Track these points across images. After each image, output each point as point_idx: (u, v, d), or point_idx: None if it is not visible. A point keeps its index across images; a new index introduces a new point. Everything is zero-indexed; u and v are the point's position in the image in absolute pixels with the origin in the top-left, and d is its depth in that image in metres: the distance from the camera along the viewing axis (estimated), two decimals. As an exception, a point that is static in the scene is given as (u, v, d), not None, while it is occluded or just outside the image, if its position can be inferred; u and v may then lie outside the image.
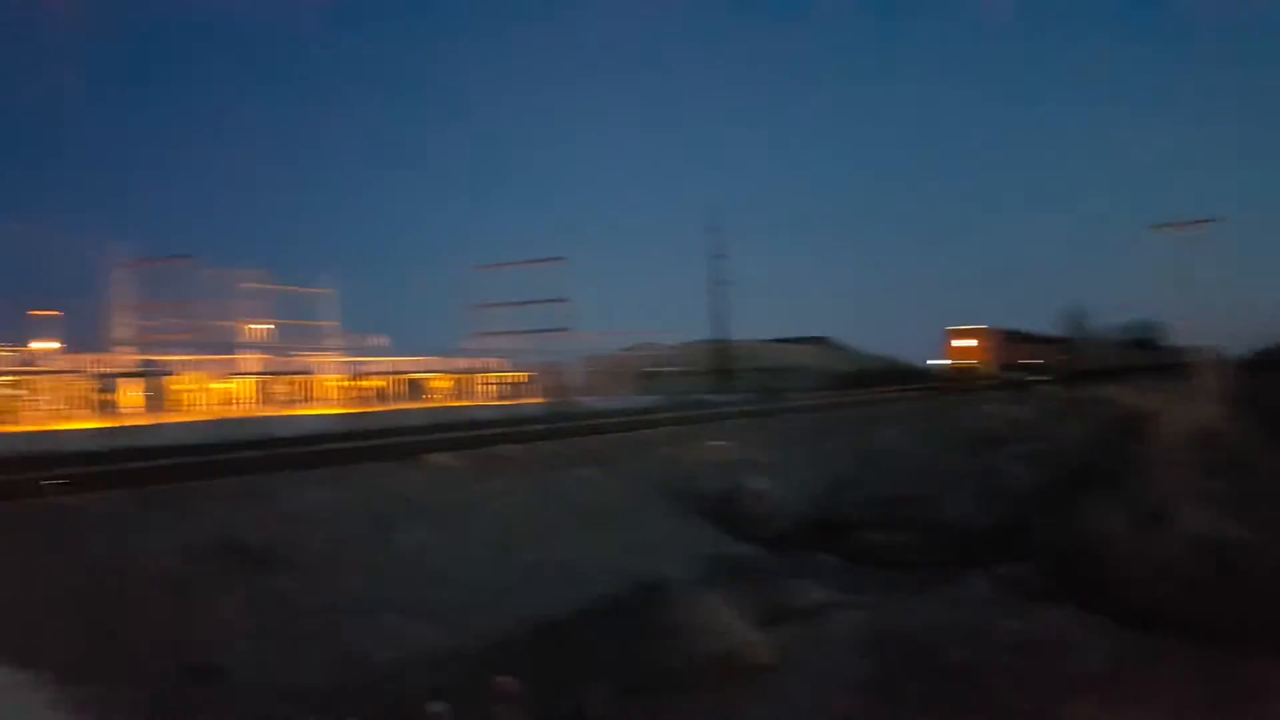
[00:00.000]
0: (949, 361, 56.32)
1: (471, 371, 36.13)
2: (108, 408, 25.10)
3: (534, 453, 16.52)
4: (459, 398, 34.29)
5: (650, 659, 7.01)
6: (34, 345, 29.05)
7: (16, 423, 22.74)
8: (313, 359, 31.74)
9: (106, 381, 26.00)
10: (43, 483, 12.71)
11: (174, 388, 27.32)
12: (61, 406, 24.62)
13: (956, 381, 47.31)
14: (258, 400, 28.82)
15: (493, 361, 37.04)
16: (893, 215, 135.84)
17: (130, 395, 26.00)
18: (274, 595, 6.49)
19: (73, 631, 5.59)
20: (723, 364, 48.17)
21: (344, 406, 29.31)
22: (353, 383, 31.87)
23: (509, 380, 37.11)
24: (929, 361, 59.26)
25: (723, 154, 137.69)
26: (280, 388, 29.95)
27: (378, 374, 33.19)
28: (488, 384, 36.37)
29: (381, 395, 32.54)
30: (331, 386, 31.14)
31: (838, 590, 9.96)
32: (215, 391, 28.36)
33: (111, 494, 11.47)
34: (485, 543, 9.88)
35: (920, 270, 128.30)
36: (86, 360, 27.23)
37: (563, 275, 35.72)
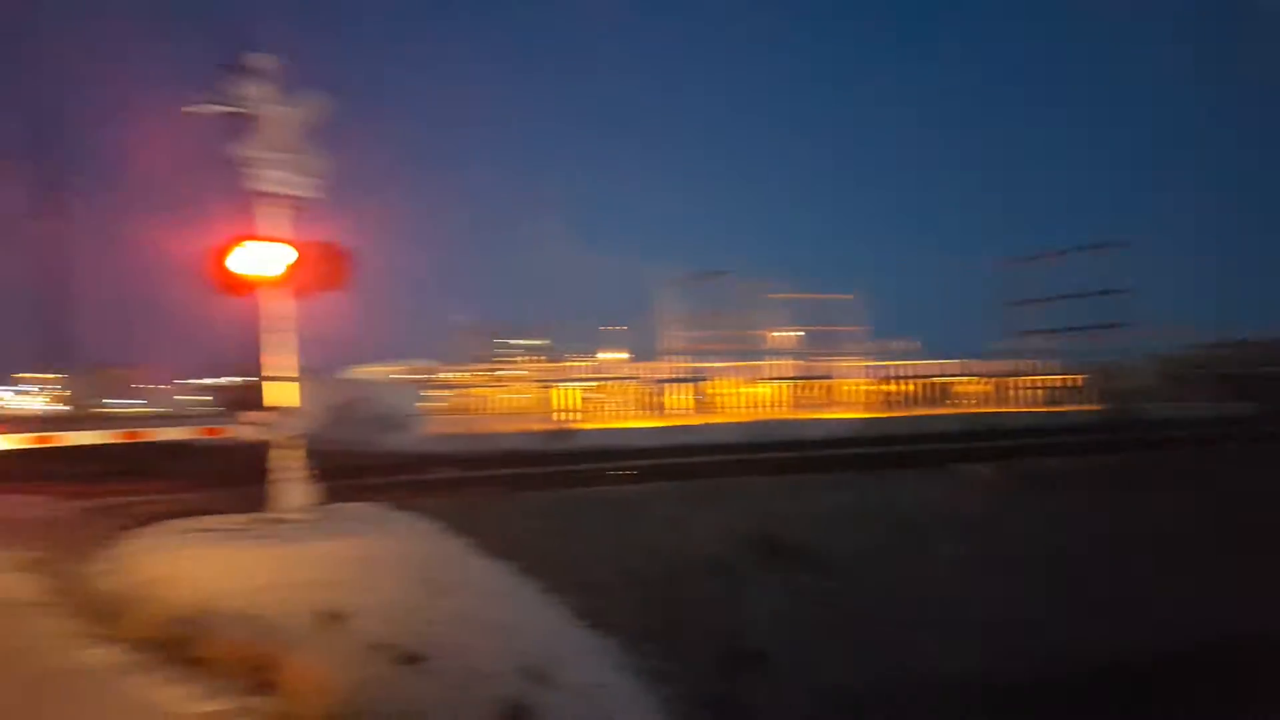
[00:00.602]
0: None
1: (1008, 375, 34.01)
2: (658, 409, 29.39)
3: (1086, 467, 14.82)
4: (993, 403, 32.57)
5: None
6: (601, 356, 35.48)
7: (591, 421, 27.96)
8: (838, 364, 33.10)
9: (657, 386, 30.47)
10: (610, 472, 15.43)
11: (710, 392, 30.83)
12: (623, 408, 29.56)
13: None
14: (786, 404, 30.98)
15: (1033, 363, 34.39)
16: None
17: (675, 399, 30.05)
18: (805, 591, 6.81)
19: (633, 605, 6.52)
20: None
21: (868, 411, 29.94)
22: (878, 387, 32.39)
23: (1053, 384, 34.05)
24: None
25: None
26: (806, 392, 31.80)
27: (903, 378, 33.23)
28: (1027, 388, 33.84)
29: (907, 400, 32.48)
30: (856, 391, 32.06)
31: None
32: (747, 395, 31.26)
33: (663, 484, 13.33)
34: (1025, 564, 9.10)
35: None
36: (641, 368, 32.35)
37: (1117, 263, 31.75)
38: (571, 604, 6.34)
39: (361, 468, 14.51)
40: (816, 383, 32.24)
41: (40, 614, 6.68)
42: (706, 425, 26.19)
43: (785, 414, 29.09)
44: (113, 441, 13.56)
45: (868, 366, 33.09)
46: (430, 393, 29.72)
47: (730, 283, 34.20)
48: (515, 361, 38.57)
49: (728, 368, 32.35)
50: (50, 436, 13.37)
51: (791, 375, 32.43)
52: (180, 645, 5.52)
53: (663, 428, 26.06)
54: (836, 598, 6.70)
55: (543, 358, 37.97)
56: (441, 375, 31.92)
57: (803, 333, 34.24)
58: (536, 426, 26.08)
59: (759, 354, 33.37)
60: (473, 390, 30.93)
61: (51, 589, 7.40)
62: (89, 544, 8.71)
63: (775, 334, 33.62)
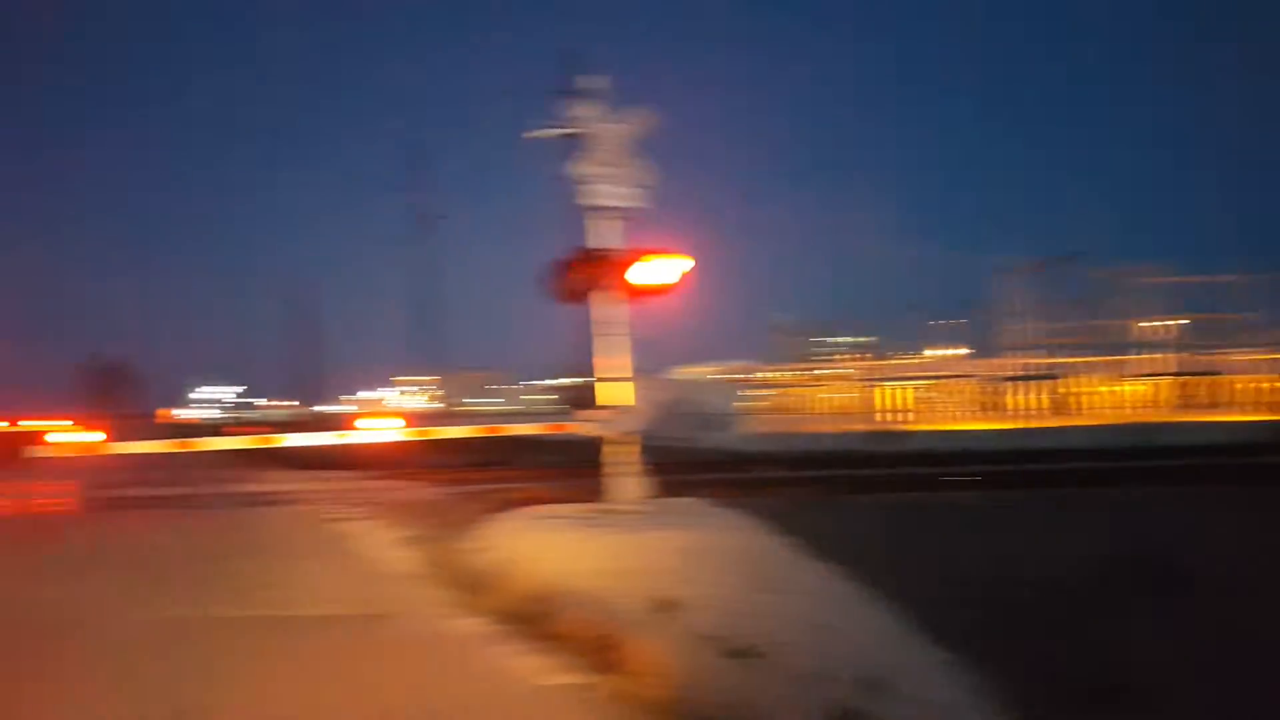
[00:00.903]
0: None
1: None
2: (1000, 410, 27.40)
3: None
4: None
5: None
6: (931, 352, 33.88)
7: (921, 422, 26.81)
8: (1229, 358, 28.67)
9: (998, 385, 28.42)
10: (945, 477, 14.66)
11: (1063, 391, 28.10)
12: (959, 409, 27.95)
13: None
14: (1161, 404, 27.44)
15: None
16: None
17: (1021, 398, 27.80)
18: (1194, 623, 5.95)
19: (977, 622, 6.09)
20: None
21: (1271, 413, 25.59)
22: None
23: None
24: None
25: None
26: (1187, 391, 27.91)
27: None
28: None
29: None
30: (1255, 389, 27.51)
31: None
32: (1111, 395, 28.10)
33: (1009, 492, 12.41)
34: None
35: None
36: (980, 365, 30.38)
37: None
38: (906, 614, 6.08)
39: (684, 464, 15.18)
40: (1200, 380, 28.11)
41: (420, 584, 7.78)
42: (1060, 428, 23.99)
43: (1160, 416, 25.73)
44: (476, 436, 15.62)
45: (1271, 360, 28.21)
46: (749, 392, 30.23)
47: (1085, 268, 31.02)
48: (837, 359, 38.01)
49: (1085, 363, 29.29)
50: (429, 431, 15.66)
51: (1163, 371, 28.60)
52: (534, 620, 6.13)
53: (1007, 430, 24.29)
54: (1236, 633, 5.75)
55: (867, 355, 37.00)
56: (760, 375, 32.33)
57: (1184, 322, 30.01)
58: (860, 427, 25.53)
59: (1125, 347, 29.80)
60: (792, 390, 30.97)
61: (429, 562, 8.60)
62: (460, 524, 10.01)
63: (1146, 324, 29.83)
